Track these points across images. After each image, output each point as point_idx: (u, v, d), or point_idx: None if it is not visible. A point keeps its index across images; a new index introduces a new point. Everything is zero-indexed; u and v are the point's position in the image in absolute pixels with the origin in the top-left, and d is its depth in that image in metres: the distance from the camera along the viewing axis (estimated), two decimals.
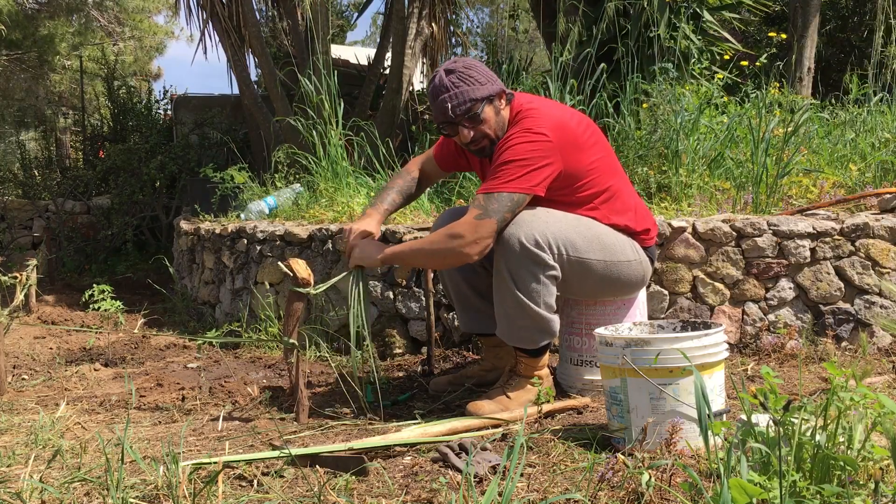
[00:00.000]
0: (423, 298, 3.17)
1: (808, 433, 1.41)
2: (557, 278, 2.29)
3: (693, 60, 4.45)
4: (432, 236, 2.32)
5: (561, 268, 2.28)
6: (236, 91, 6.30)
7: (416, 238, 3.20)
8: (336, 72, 4.37)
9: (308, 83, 4.26)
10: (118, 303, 3.85)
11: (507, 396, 2.37)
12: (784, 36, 5.65)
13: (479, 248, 2.23)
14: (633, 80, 4.02)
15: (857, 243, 2.92)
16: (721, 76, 4.41)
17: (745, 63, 4.84)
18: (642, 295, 2.61)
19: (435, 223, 2.59)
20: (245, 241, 3.93)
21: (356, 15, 11.74)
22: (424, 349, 3.09)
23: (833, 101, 5.03)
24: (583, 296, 2.51)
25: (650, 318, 2.91)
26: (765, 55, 4.41)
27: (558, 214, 2.31)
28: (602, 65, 4.03)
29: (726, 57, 5.09)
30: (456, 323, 3.16)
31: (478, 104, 2.30)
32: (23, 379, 3.12)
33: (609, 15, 4.23)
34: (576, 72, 4.28)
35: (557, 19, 4.41)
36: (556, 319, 2.32)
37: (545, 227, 2.24)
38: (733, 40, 5.14)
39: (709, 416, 1.42)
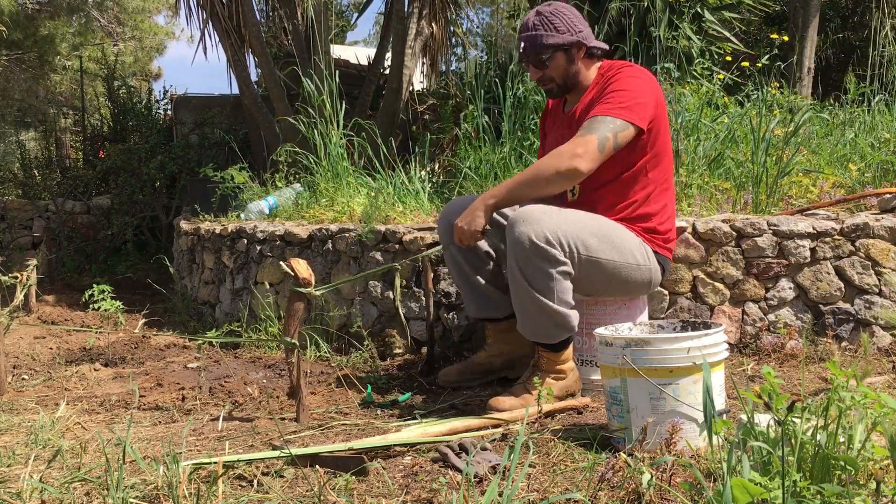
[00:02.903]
0: (423, 298, 3.17)
1: (810, 433, 1.41)
2: (570, 274, 2.29)
3: (696, 61, 4.46)
4: (533, 166, 2.34)
5: (573, 265, 2.28)
6: (236, 91, 6.30)
7: (416, 238, 3.21)
8: (336, 72, 4.37)
9: (310, 83, 4.26)
10: (118, 303, 3.85)
11: (529, 392, 2.37)
12: (787, 38, 5.66)
13: (587, 162, 2.25)
14: None
15: (857, 243, 2.91)
16: (722, 76, 4.41)
17: (746, 64, 4.84)
18: (644, 297, 2.61)
19: (442, 216, 2.65)
20: (245, 241, 3.93)
21: (356, 15, 11.74)
22: (424, 349, 3.09)
23: (833, 100, 5.03)
24: (587, 294, 2.51)
25: (650, 318, 2.91)
26: (766, 56, 4.42)
27: (570, 213, 2.33)
28: None
29: (728, 59, 5.09)
30: (456, 322, 3.16)
31: (546, 50, 2.44)
32: (23, 379, 3.12)
33: (612, 15, 4.24)
34: None
35: None
36: (573, 314, 2.32)
37: (556, 224, 2.25)
38: (734, 40, 5.15)
39: (711, 414, 1.41)
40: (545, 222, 2.23)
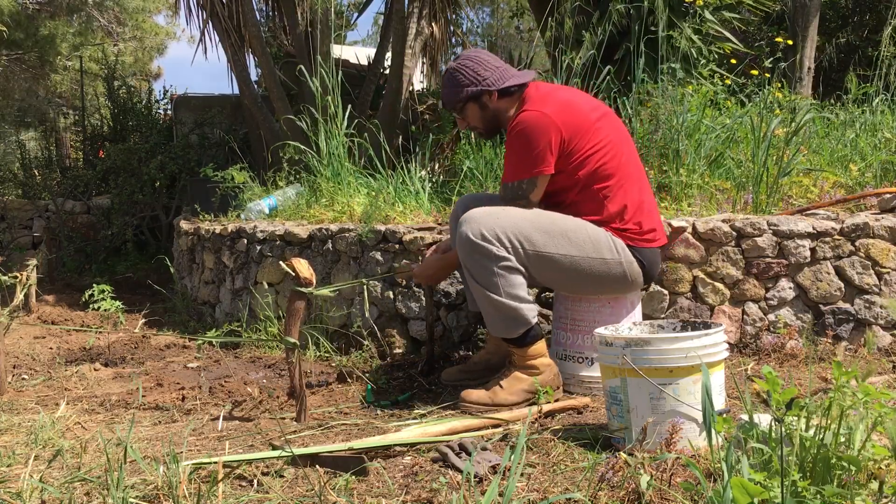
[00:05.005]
0: (423, 298, 3.17)
1: (810, 432, 1.41)
2: (517, 269, 2.33)
3: (703, 62, 4.45)
4: None
5: (520, 261, 2.33)
6: (236, 91, 6.30)
7: (416, 238, 3.21)
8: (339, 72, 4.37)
9: (315, 83, 4.26)
10: (118, 303, 3.85)
11: (500, 386, 2.41)
12: (790, 42, 5.65)
13: None
14: (642, 79, 4.01)
15: (857, 243, 2.91)
16: (728, 81, 4.41)
17: (755, 72, 4.83)
18: (634, 294, 2.59)
19: (453, 211, 2.77)
20: (245, 241, 3.93)
21: (356, 15, 11.73)
22: (424, 349, 3.09)
23: (833, 100, 5.03)
24: (561, 290, 2.55)
25: (650, 318, 2.91)
26: (769, 59, 4.41)
27: (513, 211, 2.38)
28: (609, 67, 4.03)
29: (733, 61, 5.08)
30: (456, 322, 3.16)
31: (458, 104, 2.56)
32: (23, 379, 3.12)
33: (615, 17, 4.24)
34: (578, 71, 4.27)
35: (563, 20, 4.41)
36: (525, 308, 2.35)
37: (494, 222, 2.32)
38: (735, 40, 5.14)
39: (711, 414, 1.41)
40: (483, 221, 2.32)
